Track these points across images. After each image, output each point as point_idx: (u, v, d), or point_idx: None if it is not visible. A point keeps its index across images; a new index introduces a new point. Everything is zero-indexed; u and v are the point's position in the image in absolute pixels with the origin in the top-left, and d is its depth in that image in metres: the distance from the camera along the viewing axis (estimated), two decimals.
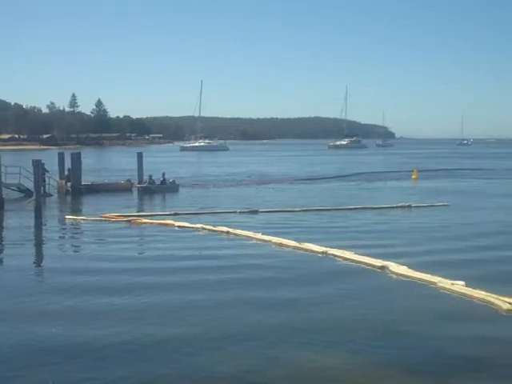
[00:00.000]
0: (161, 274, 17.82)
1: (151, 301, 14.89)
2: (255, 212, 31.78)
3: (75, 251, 22.55)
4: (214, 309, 14.33)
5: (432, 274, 16.95)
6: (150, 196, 42.19)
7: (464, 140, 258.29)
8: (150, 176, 45.06)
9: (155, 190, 43.70)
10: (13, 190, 40.05)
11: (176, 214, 30.60)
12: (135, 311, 14.06)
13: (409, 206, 33.65)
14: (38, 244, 24.06)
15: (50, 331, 12.65)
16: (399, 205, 33.86)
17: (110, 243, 23.24)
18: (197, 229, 26.15)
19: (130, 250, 21.77)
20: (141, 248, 23.00)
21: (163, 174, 46.30)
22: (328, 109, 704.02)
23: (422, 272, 17.23)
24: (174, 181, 46.48)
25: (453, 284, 15.98)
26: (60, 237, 25.78)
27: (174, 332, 12.65)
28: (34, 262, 20.72)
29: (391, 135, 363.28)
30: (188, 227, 26.59)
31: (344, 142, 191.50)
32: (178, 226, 26.93)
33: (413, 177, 57.06)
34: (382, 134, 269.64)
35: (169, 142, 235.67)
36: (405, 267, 17.78)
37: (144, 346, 11.78)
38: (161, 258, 20.19)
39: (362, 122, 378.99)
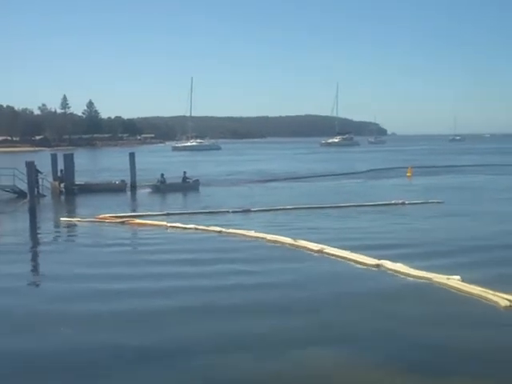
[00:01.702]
0: (156, 295, 15.48)
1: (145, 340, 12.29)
2: (248, 211, 31.80)
3: (68, 266, 19.28)
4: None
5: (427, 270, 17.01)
6: (161, 195, 42.00)
7: (456, 136, 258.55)
8: (162, 175, 45.05)
9: (164, 188, 43.66)
10: (7, 191, 40.27)
11: (168, 215, 30.59)
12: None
13: (402, 203, 33.72)
14: (34, 252, 22.95)
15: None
16: (392, 202, 33.93)
17: (104, 255, 21.22)
18: (190, 229, 26.11)
19: (120, 265, 19.30)
20: (132, 259, 20.50)
21: (184, 172, 46.26)
22: (319, 107, 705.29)
23: (416, 269, 17.27)
24: (197, 180, 46.24)
25: (448, 279, 16.05)
26: (54, 243, 24.75)
27: None
28: (25, 277, 18.43)
29: (383, 132, 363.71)
30: (181, 227, 26.50)
31: (336, 140, 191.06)
32: (171, 227, 26.79)
33: (407, 174, 57.19)
34: (374, 131, 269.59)
35: (160, 142, 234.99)
36: (400, 264, 17.80)
37: None
38: (152, 275, 17.67)
39: (355, 120, 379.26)
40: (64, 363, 11.23)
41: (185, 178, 45.55)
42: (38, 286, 17.69)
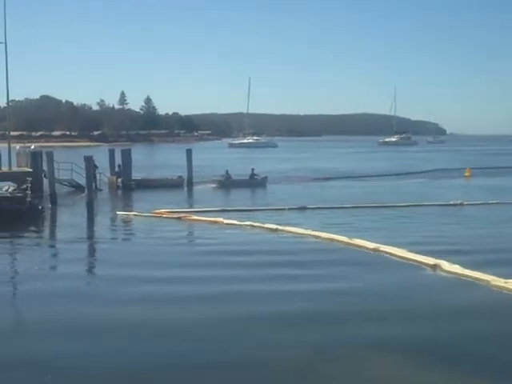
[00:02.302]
0: (206, 301, 14.98)
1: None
2: (304, 208, 31.66)
3: (123, 267, 18.90)
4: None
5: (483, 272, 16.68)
6: (226, 191, 42.28)
7: None
8: (227, 171, 45.45)
9: (228, 184, 43.94)
10: (65, 185, 41.04)
11: (224, 211, 30.67)
12: None
13: (461, 204, 33.16)
14: (91, 250, 22.95)
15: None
16: (451, 202, 33.39)
17: (158, 254, 20.87)
18: (246, 226, 26.10)
19: (174, 267, 18.98)
20: (187, 261, 20.01)
21: (252, 169, 46.64)
22: (376, 105, 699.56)
23: (474, 270, 16.92)
24: (265, 177, 46.50)
25: (506, 282, 15.71)
26: (111, 241, 24.53)
27: None
28: (86, 270, 19.50)
29: (442, 131, 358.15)
30: (237, 224, 26.50)
31: (394, 139, 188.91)
32: (227, 224, 26.78)
33: (465, 174, 56.32)
34: (433, 131, 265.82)
35: (217, 139, 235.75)
36: (457, 266, 17.49)
37: None
38: (204, 279, 17.19)
39: (413, 119, 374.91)
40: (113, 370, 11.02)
41: (253, 175, 45.83)
42: (93, 288, 17.11)
